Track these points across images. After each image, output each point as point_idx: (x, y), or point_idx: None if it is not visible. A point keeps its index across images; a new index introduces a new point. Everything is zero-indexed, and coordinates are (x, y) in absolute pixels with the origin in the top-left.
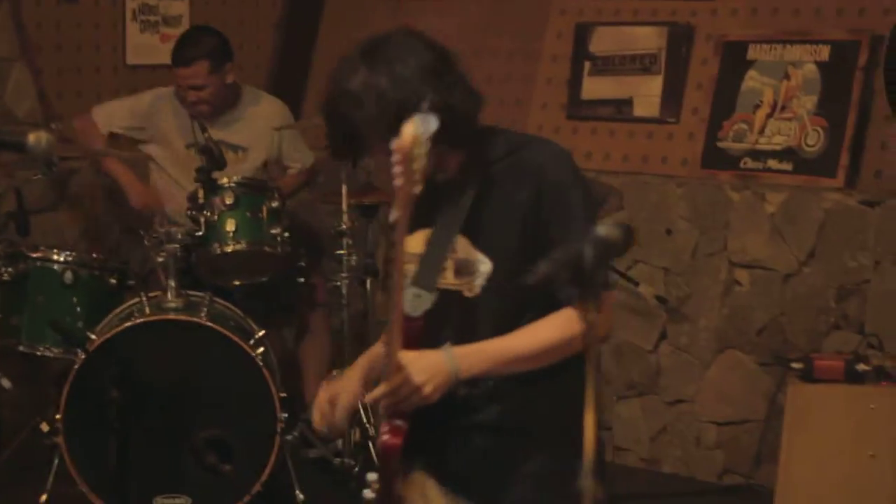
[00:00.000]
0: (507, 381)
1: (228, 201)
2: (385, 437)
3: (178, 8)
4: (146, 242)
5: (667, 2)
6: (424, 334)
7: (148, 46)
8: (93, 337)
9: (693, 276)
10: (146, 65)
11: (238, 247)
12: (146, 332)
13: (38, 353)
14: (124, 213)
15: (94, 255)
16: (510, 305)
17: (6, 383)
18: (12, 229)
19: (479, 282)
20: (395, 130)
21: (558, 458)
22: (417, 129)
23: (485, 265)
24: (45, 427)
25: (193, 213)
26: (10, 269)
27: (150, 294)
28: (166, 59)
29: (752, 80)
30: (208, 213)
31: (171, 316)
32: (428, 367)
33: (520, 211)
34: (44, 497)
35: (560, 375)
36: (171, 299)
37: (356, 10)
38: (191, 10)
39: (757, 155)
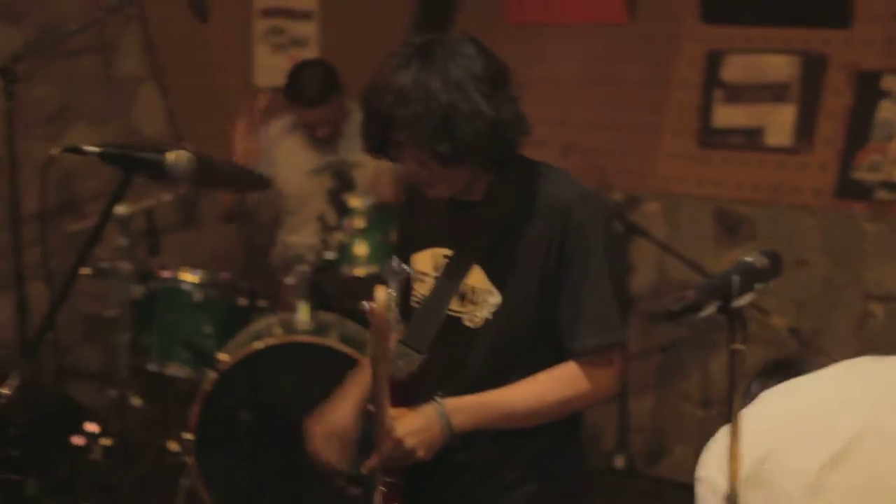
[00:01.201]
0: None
1: (360, 225)
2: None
3: (306, 30)
4: (273, 263)
5: (799, 30)
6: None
7: (276, 68)
8: (223, 357)
9: (826, 309)
10: (274, 87)
11: (370, 270)
12: (277, 353)
13: (167, 373)
14: (252, 233)
15: (224, 276)
16: (509, 345)
17: (136, 401)
18: (143, 249)
19: (484, 313)
20: (435, 137)
21: (539, 495)
22: (390, 293)
23: (494, 297)
24: (173, 446)
25: (324, 235)
26: (141, 289)
27: (282, 315)
28: None
29: (886, 110)
30: (340, 236)
31: (303, 338)
32: (420, 429)
33: (541, 248)
34: None
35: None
36: (303, 321)
37: (483, 32)
38: (319, 33)
39: (891, 186)
